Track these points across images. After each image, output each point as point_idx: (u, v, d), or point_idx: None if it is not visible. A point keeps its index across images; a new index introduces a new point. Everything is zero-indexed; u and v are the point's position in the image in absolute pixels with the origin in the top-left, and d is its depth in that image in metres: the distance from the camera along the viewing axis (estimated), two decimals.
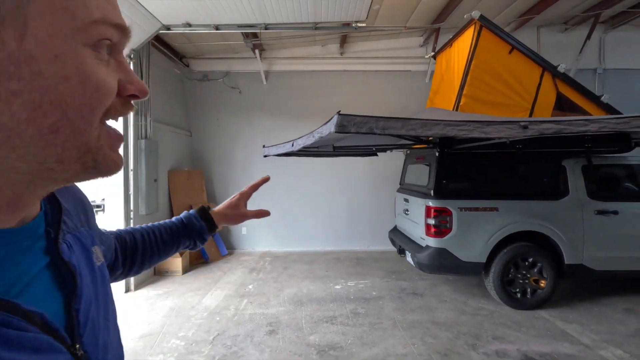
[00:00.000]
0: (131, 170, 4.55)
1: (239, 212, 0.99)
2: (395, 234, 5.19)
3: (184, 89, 6.79)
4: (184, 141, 6.61)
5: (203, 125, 6.85)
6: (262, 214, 1.01)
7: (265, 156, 4.35)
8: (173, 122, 6.09)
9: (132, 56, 4.44)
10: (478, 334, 3.32)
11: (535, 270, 3.87)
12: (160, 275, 5.22)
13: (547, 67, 4.13)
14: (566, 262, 3.85)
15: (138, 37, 4.24)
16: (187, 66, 6.73)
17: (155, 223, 0.90)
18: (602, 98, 4.18)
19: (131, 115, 4.55)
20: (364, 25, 4.67)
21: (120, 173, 4.48)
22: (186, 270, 5.43)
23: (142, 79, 4.74)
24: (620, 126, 2.17)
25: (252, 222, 6.78)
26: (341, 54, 6.72)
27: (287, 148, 3.46)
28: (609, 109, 4.25)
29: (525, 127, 2.21)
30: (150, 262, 0.84)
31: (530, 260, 3.87)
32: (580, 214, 3.89)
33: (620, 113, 4.10)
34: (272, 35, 5.91)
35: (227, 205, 0.99)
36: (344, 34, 6.14)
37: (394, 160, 6.51)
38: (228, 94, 6.82)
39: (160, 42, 5.67)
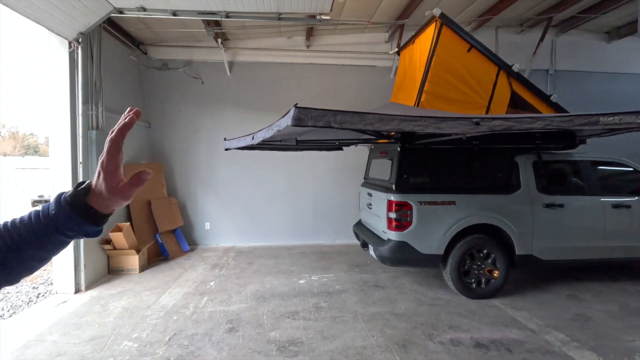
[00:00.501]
0: (80, 163, 4.26)
1: (116, 182, 0.68)
2: (360, 228, 5.25)
3: (142, 78, 6.44)
4: (141, 133, 6.28)
5: (163, 116, 6.54)
6: (142, 176, 0.72)
7: (226, 149, 4.22)
8: None
9: (79, 40, 4.12)
10: (435, 324, 3.43)
11: (489, 261, 4.05)
12: (114, 274, 4.96)
13: (502, 66, 4.30)
14: (517, 252, 4.06)
15: (86, 19, 3.94)
16: (145, 53, 6.38)
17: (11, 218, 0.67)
18: (552, 97, 4.42)
19: (80, 103, 4.25)
20: (328, 18, 4.62)
21: (68, 165, 4.19)
22: (144, 268, 5.19)
23: (91, 63, 4.44)
24: (564, 124, 2.29)
25: (217, 217, 6.62)
26: (307, 46, 6.64)
27: (248, 141, 3.37)
28: (557, 107, 4.50)
29: (477, 124, 2.28)
30: (10, 269, 0.63)
31: (485, 251, 4.04)
32: (530, 207, 4.11)
33: (567, 112, 4.36)
34: (236, 24, 5.73)
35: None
36: (310, 27, 6.07)
37: (359, 154, 6.57)
38: (190, 84, 6.55)
39: (114, 27, 5.32)
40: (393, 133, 3.95)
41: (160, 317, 3.61)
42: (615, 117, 2.23)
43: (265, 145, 4.40)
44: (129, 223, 5.15)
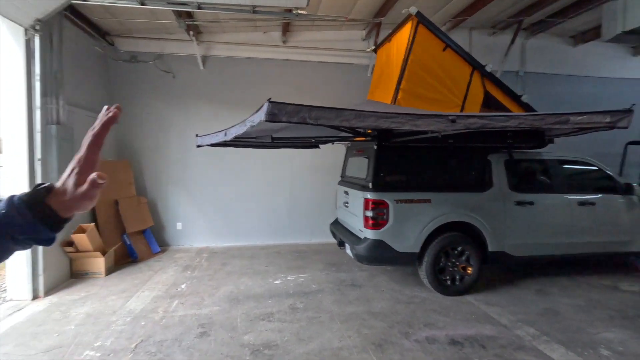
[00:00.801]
0: (38, 160, 3.96)
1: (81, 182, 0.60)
2: (336, 226, 5.21)
3: (108, 70, 6.11)
4: None
5: (132, 111, 6.23)
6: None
7: (198, 146, 4.05)
8: (93, 106, 5.45)
9: (37, 27, 3.83)
10: (411, 322, 3.43)
11: (463, 258, 4.10)
12: (78, 277, 4.68)
13: (476, 66, 4.36)
14: (490, 249, 4.14)
15: (43, 5, 3.66)
16: (112, 45, 6.06)
17: None
18: (522, 98, 4.54)
19: (37, 96, 3.95)
20: (304, 12, 4.53)
21: (24, 163, 3.89)
22: (110, 271, 4.92)
23: (51, 53, 4.14)
24: (536, 123, 2.33)
25: (189, 217, 6.40)
26: (284, 42, 6.52)
27: (220, 137, 3.23)
28: (527, 108, 4.62)
29: (453, 121, 2.27)
30: None
31: (459, 249, 4.09)
32: (503, 204, 4.19)
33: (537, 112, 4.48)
34: (209, 16, 5.53)
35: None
36: (286, 22, 5.95)
37: (336, 152, 6.51)
38: (160, 78, 6.28)
39: (78, 16, 5.00)
40: (370, 131, 3.93)
41: (126, 323, 3.42)
42: (584, 117, 2.29)
43: (239, 142, 4.27)
44: (93, 224, 4.86)
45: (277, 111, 2.04)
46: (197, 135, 4.08)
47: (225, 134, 3.06)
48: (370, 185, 4.05)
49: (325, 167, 6.73)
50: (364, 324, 3.40)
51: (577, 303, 3.89)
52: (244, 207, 6.61)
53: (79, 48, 5.19)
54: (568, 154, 4.64)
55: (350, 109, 2.21)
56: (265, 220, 6.69)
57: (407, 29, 4.28)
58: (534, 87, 7.26)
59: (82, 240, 4.59)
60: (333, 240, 6.21)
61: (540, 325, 3.37)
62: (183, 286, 4.43)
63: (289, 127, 3.62)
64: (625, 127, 2.37)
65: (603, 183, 4.59)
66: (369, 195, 4.02)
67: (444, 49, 4.27)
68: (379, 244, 3.97)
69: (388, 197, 3.97)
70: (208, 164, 6.44)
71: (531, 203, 4.25)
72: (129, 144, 6.26)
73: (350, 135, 4.03)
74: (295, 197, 6.77)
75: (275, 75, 6.60)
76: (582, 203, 4.40)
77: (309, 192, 6.79)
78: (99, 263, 4.73)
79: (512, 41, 6.76)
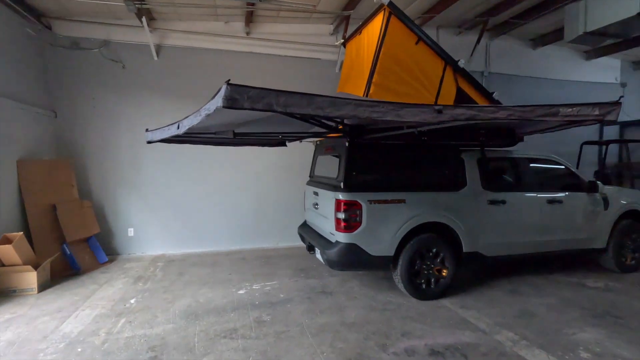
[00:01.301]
0: None
1: None
2: (305, 229, 4.89)
3: (45, 58, 5.39)
4: (44, 123, 5.24)
5: (73, 104, 5.54)
6: None
7: (148, 142, 3.56)
8: (25, 97, 4.75)
9: None
10: (387, 332, 3.18)
11: (438, 260, 3.94)
12: (4, 296, 3.99)
13: (449, 61, 4.24)
14: (464, 250, 4.01)
15: None
16: (49, 28, 5.35)
17: None
18: (494, 95, 4.48)
19: None
20: None
21: None
22: (45, 286, 4.27)
23: None
24: (526, 114, 2.16)
25: (142, 222, 5.81)
26: (247, 33, 6.11)
27: (173, 131, 2.80)
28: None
29: (439, 112, 2.04)
30: None
31: (434, 250, 3.92)
32: (476, 204, 4.08)
33: None
34: (163, 0, 5.01)
35: None
36: (250, 11, 5.55)
37: (304, 151, 6.19)
38: (108, 68, 5.64)
39: None
40: (341, 127, 3.65)
41: (58, 351, 2.88)
42: (574, 109, 2.16)
43: (196, 137, 3.83)
44: (21, 233, 4.18)
45: (237, 96, 1.69)
46: (147, 130, 3.59)
47: (178, 127, 2.64)
48: (341, 185, 3.77)
49: (293, 166, 6.39)
50: (337, 337, 3.10)
51: (549, 302, 3.85)
52: (205, 210, 6.11)
53: (6, 29, 4.48)
54: (535, 152, 4.64)
55: (325, 95, 1.91)
56: (228, 223, 6.23)
57: (378, 21, 4.06)
58: (497, 88, 7.31)
59: (7, 252, 3.92)
60: (301, 244, 5.88)
61: (518, 328, 3.26)
62: (132, 301, 3.90)
63: (253, 120, 3.26)
64: (614, 120, 2.28)
65: (569, 181, 4.63)
66: (340, 196, 3.73)
67: (416, 42, 4.09)
68: (351, 248, 3.70)
69: (361, 198, 3.71)
70: (164, 162, 5.88)
71: (503, 202, 4.18)
72: (71, 141, 5.55)
73: (322, 131, 3.72)
74: (261, 199, 6.36)
75: (238, 69, 6.17)
76: (550, 201, 4.40)
77: (276, 192, 6.41)
78: (30, 278, 4.07)
79: (478, 41, 6.81)
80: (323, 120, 2.89)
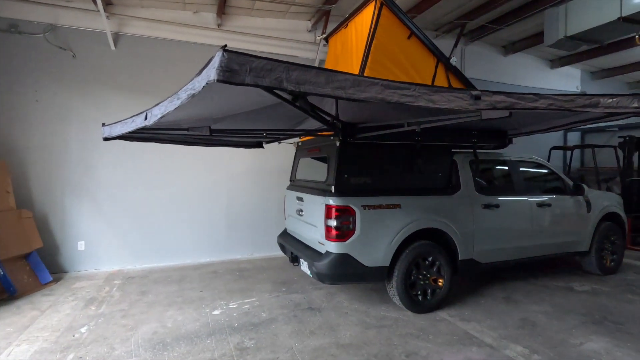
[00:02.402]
0: None
1: None
2: (286, 238, 4.45)
3: None
4: None
5: (10, 97, 4.73)
6: None
7: (105, 139, 2.98)
8: None
9: None
10: (390, 354, 2.83)
11: (434, 269, 3.67)
12: None
13: (441, 58, 4.05)
14: (460, 257, 3.78)
15: None
16: None
17: None
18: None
19: None
20: None
21: None
22: None
23: None
24: (567, 104, 1.94)
25: (95, 233, 5.07)
26: (218, 25, 5.61)
27: (139, 123, 2.29)
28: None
29: (477, 98, 1.75)
30: None
31: (430, 259, 3.65)
32: (471, 208, 3.88)
33: None
34: None
35: None
36: (222, 1, 5.07)
37: (281, 154, 5.77)
38: (55, 57, 4.89)
39: None
40: (338, 123, 3.30)
41: None
42: (614, 100, 1.98)
43: (164, 134, 3.30)
44: None
45: (236, 66, 1.28)
46: (103, 125, 3.00)
47: (146, 117, 2.15)
48: (332, 189, 3.40)
49: (269, 170, 5.94)
50: None
51: (545, 310, 3.70)
52: (169, 218, 5.46)
53: None
54: (521, 155, 4.56)
55: (347, 73, 1.54)
56: (196, 233, 5.61)
57: (369, 12, 3.77)
58: None
59: None
60: (279, 254, 5.45)
61: (524, 341, 3.04)
62: (83, 330, 3.25)
63: (236, 113, 2.81)
64: None
65: (555, 184, 4.60)
66: (331, 201, 3.36)
67: (409, 37, 3.86)
68: (344, 259, 3.33)
69: (354, 203, 3.36)
70: (121, 164, 5.18)
71: (497, 206, 4.02)
72: (6, 141, 4.73)
73: (309, 129, 3.34)
74: (233, 205, 5.82)
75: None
76: (540, 204, 4.32)
77: (250, 198, 5.91)
78: None
79: (455, 44, 6.78)
80: (320, 114, 2.50)
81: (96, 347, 2.95)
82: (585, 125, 3.44)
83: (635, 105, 2.03)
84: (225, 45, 1.33)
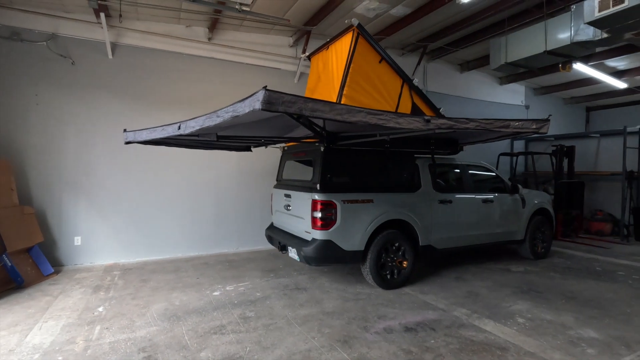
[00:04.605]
0: None
1: None
2: (274, 231, 5.08)
3: None
4: None
5: (12, 100, 5.02)
6: None
7: (127, 143, 3.48)
8: None
9: None
10: (365, 317, 3.56)
11: (400, 253, 4.46)
12: None
13: (406, 79, 4.86)
14: (420, 244, 4.60)
15: None
16: None
17: None
18: (441, 111, 5.23)
19: None
20: (247, 9, 4.37)
21: None
22: None
23: None
24: (488, 125, 2.74)
25: (91, 229, 5.43)
26: (209, 39, 6.15)
27: (170, 132, 2.84)
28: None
29: (428, 121, 2.51)
30: None
31: (397, 244, 4.44)
32: (429, 203, 4.72)
33: None
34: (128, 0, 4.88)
35: None
36: (215, 18, 5.64)
37: (264, 156, 6.40)
38: (55, 64, 5.23)
39: None
40: (324, 132, 4.00)
41: None
42: (520, 123, 2.82)
43: (176, 139, 3.85)
44: None
45: (274, 100, 1.93)
46: (125, 130, 3.51)
47: (180, 127, 2.72)
48: (317, 186, 4.10)
49: (254, 172, 6.53)
50: (322, 324, 3.39)
51: (487, 285, 4.60)
52: (161, 215, 5.92)
53: None
54: (471, 160, 5.50)
55: (341, 104, 2.24)
56: (186, 229, 6.10)
57: (347, 39, 4.52)
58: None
59: None
60: (263, 248, 6.10)
61: (469, 305, 3.89)
62: (100, 309, 3.72)
63: (239, 124, 3.44)
64: (545, 133, 2.99)
65: (497, 185, 5.57)
66: (317, 197, 4.06)
67: (380, 61, 4.64)
68: (327, 244, 4.03)
69: (336, 198, 4.08)
70: (116, 165, 5.58)
71: (450, 202, 4.90)
72: (10, 141, 5.01)
73: (298, 136, 4.02)
74: (220, 203, 6.36)
75: (198, 72, 6.16)
76: (484, 201, 5.26)
77: (236, 197, 6.47)
78: None
79: (419, 62, 7.74)
80: (314, 127, 3.19)
81: (118, 320, 3.45)
82: (508, 138, 4.35)
83: (534, 127, 2.88)
84: (266, 86, 1.98)
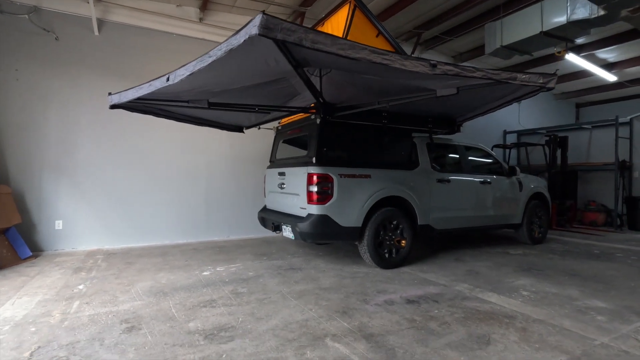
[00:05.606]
0: None
1: None
2: (267, 213, 4.89)
3: None
4: None
5: None
6: None
7: (113, 107, 3.26)
8: None
9: None
10: (364, 291, 3.38)
11: (398, 231, 4.31)
12: None
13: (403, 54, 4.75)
14: (419, 223, 4.46)
15: None
16: None
17: None
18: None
19: None
20: None
21: None
22: None
23: None
24: (495, 77, 2.63)
25: (73, 213, 5.15)
26: (200, 19, 5.98)
27: (157, 85, 2.65)
28: None
29: (434, 66, 2.38)
30: None
31: (395, 222, 4.28)
32: (427, 181, 4.59)
33: None
34: None
35: None
36: None
37: (256, 140, 6.22)
38: (38, 38, 4.99)
39: None
40: (313, 104, 3.85)
41: (6, 332, 2.45)
42: (527, 76, 2.72)
43: (165, 104, 3.65)
44: None
45: (272, 25, 1.77)
46: (110, 94, 3.30)
47: (168, 79, 2.53)
48: (313, 160, 3.94)
49: (245, 157, 6.34)
50: (320, 298, 3.20)
51: (487, 265, 4.48)
52: (148, 200, 5.66)
53: None
54: (469, 141, 5.42)
55: (346, 39, 2.09)
56: (174, 215, 5.85)
57: (343, 12, 4.40)
58: None
59: None
60: (254, 236, 5.90)
61: (470, 281, 3.75)
62: (81, 287, 3.46)
63: (231, 89, 3.27)
64: (552, 88, 2.90)
65: (494, 167, 5.49)
66: (312, 170, 3.90)
67: (377, 35, 4.53)
68: (324, 220, 3.86)
69: (332, 172, 3.92)
70: (100, 144, 5.33)
71: (448, 181, 4.78)
72: None
73: (295, 108, 3.86)
74: (210, 189, 6.13)
75: (189, 53, 5.83)
76: (482, 182, 5.16)
77: (227, 183, 6.26)
78: None
79: (412, 52, 7.68)
80: (312, 87, 3.04)
81: (99, 296, 3.20)
82: (511, 104, 4.26)
83: (541, 81, 2.79)
84: (264, 11, 1.82)
